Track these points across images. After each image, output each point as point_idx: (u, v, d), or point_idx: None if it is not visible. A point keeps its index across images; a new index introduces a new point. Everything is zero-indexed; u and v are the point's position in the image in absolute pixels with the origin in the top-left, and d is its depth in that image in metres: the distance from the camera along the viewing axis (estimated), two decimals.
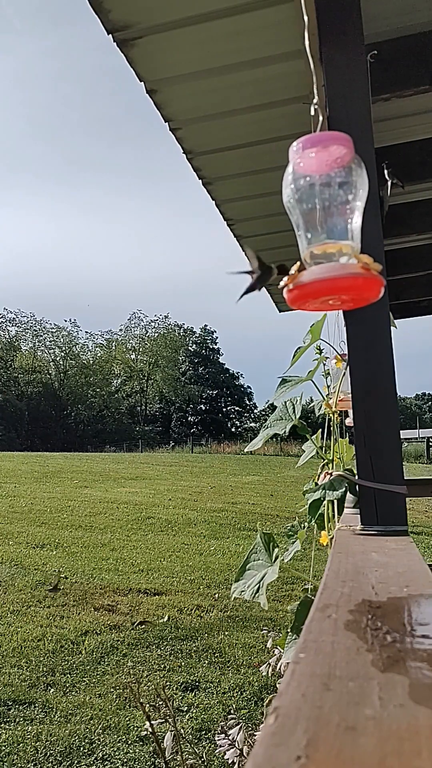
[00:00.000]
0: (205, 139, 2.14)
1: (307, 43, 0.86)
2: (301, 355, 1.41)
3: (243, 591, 1.29)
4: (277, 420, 1.46)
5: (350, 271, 0.68)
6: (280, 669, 1.76)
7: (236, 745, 1.64)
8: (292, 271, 0.71)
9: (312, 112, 0.81)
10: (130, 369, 47.74)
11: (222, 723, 1.76)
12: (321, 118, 0.79)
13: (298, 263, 0.71)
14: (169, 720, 1.73)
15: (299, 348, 1.43)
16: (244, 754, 1.62)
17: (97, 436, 41.72)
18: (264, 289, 0.82)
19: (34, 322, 45.03)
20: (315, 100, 0.81)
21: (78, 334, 48.49)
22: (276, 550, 1.33)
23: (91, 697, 3.22)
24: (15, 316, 44.74)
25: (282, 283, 0.72)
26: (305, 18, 0.91)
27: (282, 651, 1.44)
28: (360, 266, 0.68)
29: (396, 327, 1.32)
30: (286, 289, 0.71)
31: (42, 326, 45.12)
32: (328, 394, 1.60)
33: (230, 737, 1.67)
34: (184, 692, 3.31)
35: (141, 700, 1.79)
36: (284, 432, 1.42)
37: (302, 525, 1.47)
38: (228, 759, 1.63)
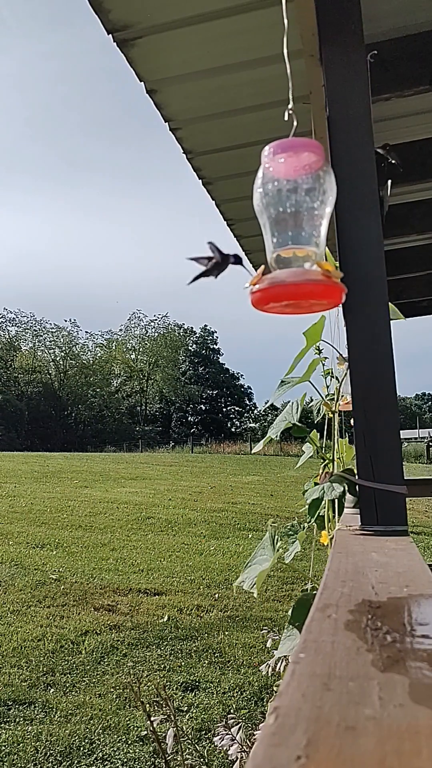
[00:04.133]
0: (205, 139, 2.14)
1: (285, 50, 0.87)
2: (301, 357, 1.41)
3: (242, 581, 1.32)
4: (281, 421, 1.47)
5: (311, 278, 0.69)
6: (279, 669, 1.77)
7: (237, 741, 1.64)
8: (258, 273, 0.71)
9: (286, 118, 0.81)
10: (130, 369, 47.67)
11: (221, 724, 1.76)
12: (295, 123, 0.79)
13: (263, 266, 0.72)
14: (171, 718, 1.73)
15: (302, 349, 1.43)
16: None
17: (97, 436, 41.68)
18: None
19: (34, 322, 45.01)
20: (290, 105, 0.81)
21: (78, 334, 48.52)
22: (278, 544, 1.35)
23: (91, 697, 3.22)
24: (15, 316, 44.72)
25: (246, 285, 0.73)
26: (285, 21, 0.91)
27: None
28: (321, 273, 0.68)
29: (404, 318, 1.32)
30: (249, 291, 0.72)
31: (42, 326, 45.08)
32: (328, 395, 1.60)
33: (230, 734, 1.67)
34: (184, 692, 3.31)
35: (141, 700, 1.79)
36: (276, 435, 1.44)
37: (302, 525, 1.47)
38: (231, 755, 1.63)
